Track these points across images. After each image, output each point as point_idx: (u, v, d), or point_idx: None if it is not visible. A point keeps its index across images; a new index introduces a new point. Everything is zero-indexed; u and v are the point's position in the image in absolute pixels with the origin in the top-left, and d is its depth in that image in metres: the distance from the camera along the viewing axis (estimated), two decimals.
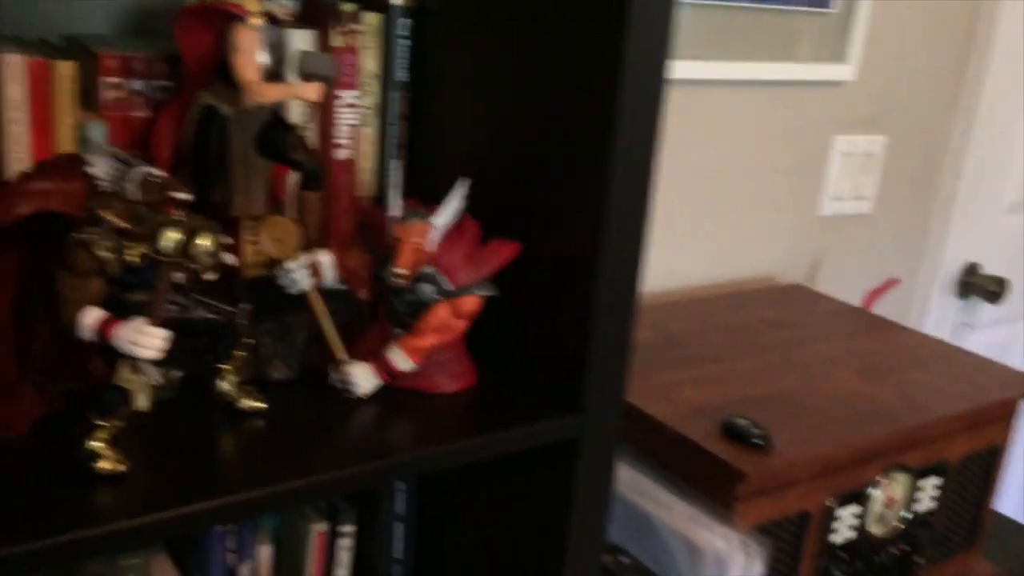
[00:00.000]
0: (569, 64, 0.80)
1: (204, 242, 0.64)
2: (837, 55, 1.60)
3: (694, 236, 1.58)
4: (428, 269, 0.82)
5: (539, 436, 0.84)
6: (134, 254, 0.66)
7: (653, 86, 0.76)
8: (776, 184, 1.66)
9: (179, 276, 0.67)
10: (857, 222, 1.81)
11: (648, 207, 0.81)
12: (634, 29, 0.73)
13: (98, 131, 0.83)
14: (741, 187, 1.61)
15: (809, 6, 1.52)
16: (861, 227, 1.82)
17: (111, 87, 0.85)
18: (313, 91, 0.79)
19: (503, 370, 0.91)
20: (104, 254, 0.64)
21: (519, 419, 0.83)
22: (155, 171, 0.66)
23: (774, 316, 1.50)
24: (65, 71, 0.82)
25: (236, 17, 0.78)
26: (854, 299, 1.68)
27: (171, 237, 0.64)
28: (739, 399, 1.18)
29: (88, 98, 0.86)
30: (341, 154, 0.98)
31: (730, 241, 1.64)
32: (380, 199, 1.02)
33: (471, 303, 0.83)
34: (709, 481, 1.07)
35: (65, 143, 0.84)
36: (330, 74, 0.80)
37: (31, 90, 0.81)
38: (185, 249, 0.64)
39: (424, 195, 0.87)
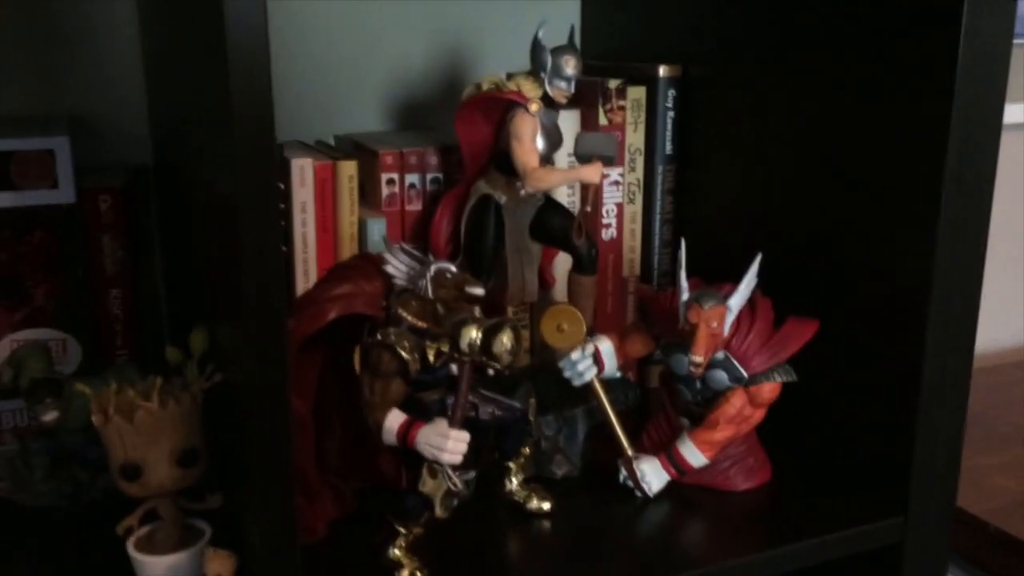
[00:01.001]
0: (880, 122, 0.72)
1: (506, 339, 0.61)
2: None
3: None
4: (720, 354, 0.75)
5: (855, 543, 0.74)
6: (431, 353, 0.64)
7: (988, 137, 0.67)
8: None
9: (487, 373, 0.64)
10: None
11: (980, 275, 0.71)
12: (964, 76, 0.64)
13: (379, 227, 0.84)
14: None
15: None
16: None
17: (387, 183, 0.86)
18: (594, 172, 0.76)
19: (799, 463, 0.82)
20: (406, 355, 0.62)
21: (830, 523, 0.74)
22: (450, 266, 0.64)
23: None
24: (347, 170, 0.84)
25: (516, 105, 0.76)
26: None
27: (473, 335, 0.61)
28: None
29: (365, 195, 0.88)
30: (607, 234, 0.94)
31: (1018, 300, 1.45)
32: (646, 278, 0.97)
33: (769, 391, 0.75)
34: None
35: (346, 241, 0.85)
36: (610, 153, 0.77)
37: (317, 191, 0.83)
38: (486, 347, 0.61)
39: (695, 273, 0.80)
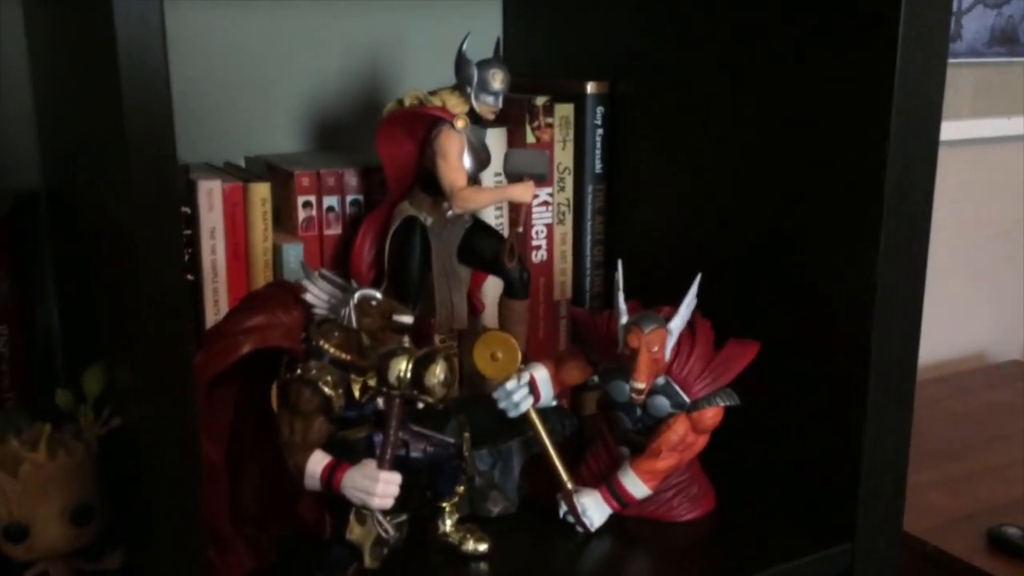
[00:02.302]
0: (817, 138, 0.70)
1: (438, 370, 0.56)
2: None
3: None
4: (661, 379, 0.72)
5: (804, 572, 0.71)
6: (357, 388, 0.58)
7: (926, 154, 0.66)
8: (986, 249, 1.49)
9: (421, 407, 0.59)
10: None
11: (921, 293, 0.70)
12: (901, 91, 0.63)
13: (296, 253, 0.79)
14: (945, 253, 1.46)
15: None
16: None
17: (304, 206, 0.81)
18: (525, 191, 0.72)
19: (743, 490, 0.79)
20: (329, 391, 0.57)
21: (777, 553, 0.71)
22: (375, 293, 0.60)
23: (1003, 400, 1.33)
24: (260, 193, 0.78)
25: (441, 121, 0.72)
26: None
27: (402, 367, 0.56)
28: (1000, 504, 1.02)
29: (280, 219, 0.82)
30: (537, 256, 0.91)
31: (933, 315, 1.48)
32: (578, 301, 0.93)
33: (712, 416, 0.72)
34: None
35: (260, 268, 0.80)
36: (541, 171, 0.73)
37: (227, 215, 0.78)
38: (417, 379, 0.56)
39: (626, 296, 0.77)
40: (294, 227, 0.81)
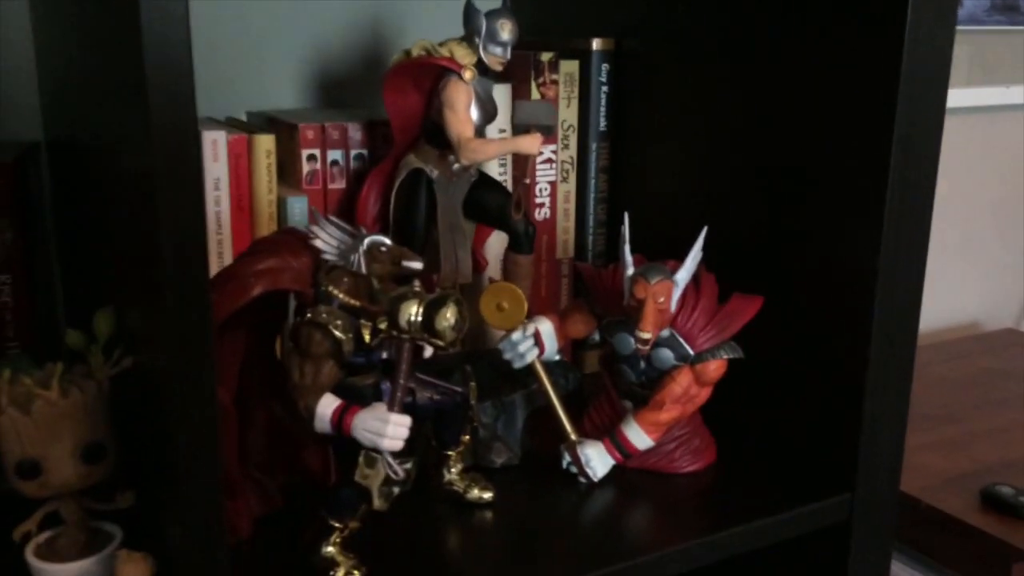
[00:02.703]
0: (824, 99, 0.70)
1: (449, 314, 0.56)
2: None
3: None
4: (666, 332, 0.72)
5: (804, 522, 0.72)
6: (367, 333, 0.59)
7: (932, 118, 0.66)
8: (982, 218, 1.50)
9: (427, 353, 0.59)
10: None
11: (925, 249, 0.70)
12: (912, 60, 0.63)
13: (300, 206, 0.79)
14: (941, 222, 1.47)
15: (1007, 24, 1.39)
16: None
17: (308, 159, 0.81)
18: (533, 143, 0.72)
19: (744, 443, 0.80)
20: (339, 334, 0.57)
21: (777, 503, 0.72)
22: (384, 239, 0.60)
23: (997, 366, 1.34)
24: (264, 145, 0.78)
25: (449, 72, 0.72)
26: None
27: (414, 312, 0.56)
28: (994, 465, 1.03)
29: (283, 172, 0.82)
30: (540, 213, 0.91)
31: (928, 285, 1.49)
32: (580, 260, 0.94)
33: (716, 368, 0.73)
34: (975, 562, 0.92)
35: (264, 220, 0.79)
36: (549, 123, 0.73)
37: (231, 167, 0.77)
38: (428, 323, 0.56)
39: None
40: (298, 181, 0.81)
